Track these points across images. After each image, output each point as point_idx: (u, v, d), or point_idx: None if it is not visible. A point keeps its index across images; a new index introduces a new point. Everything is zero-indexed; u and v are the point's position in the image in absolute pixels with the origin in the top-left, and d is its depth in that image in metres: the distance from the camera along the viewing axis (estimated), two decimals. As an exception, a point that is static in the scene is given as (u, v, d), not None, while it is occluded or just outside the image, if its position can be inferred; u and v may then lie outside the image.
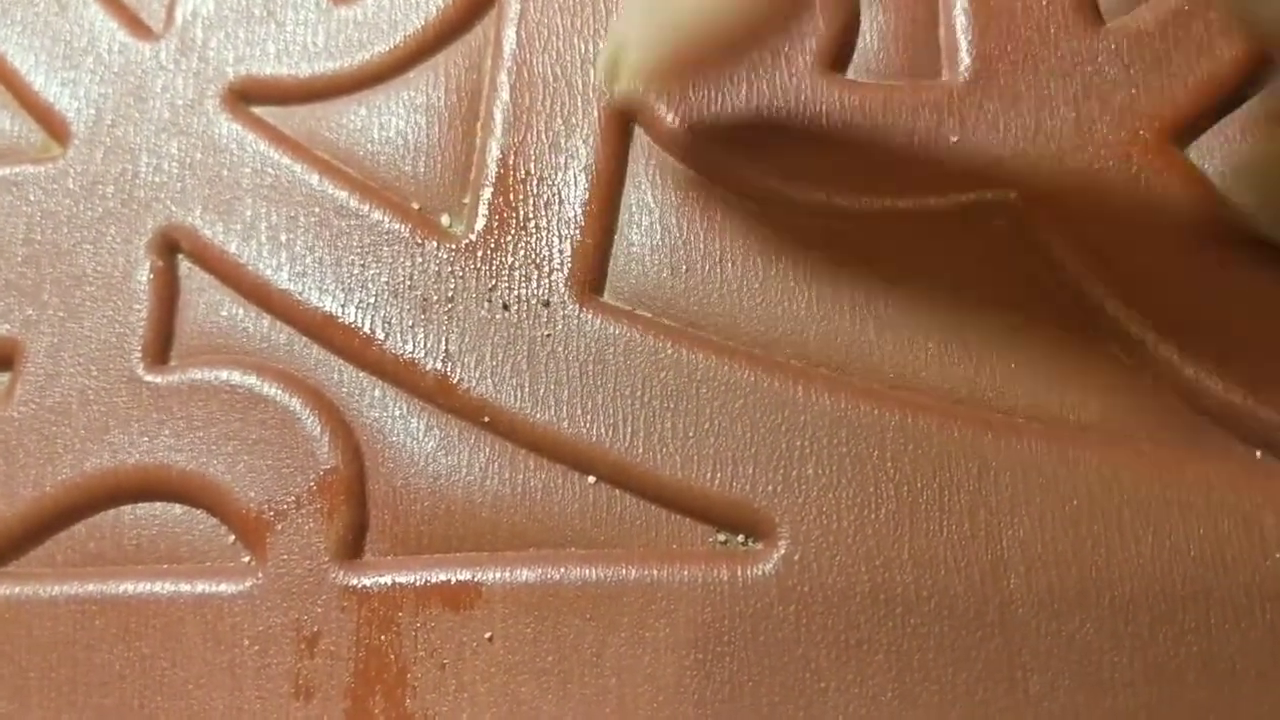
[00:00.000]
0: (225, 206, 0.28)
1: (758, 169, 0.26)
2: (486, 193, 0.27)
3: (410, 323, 0.26)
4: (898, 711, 0.23)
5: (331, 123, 0.29)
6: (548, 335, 0.26)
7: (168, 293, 0.27)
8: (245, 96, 0.29)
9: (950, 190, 0.26)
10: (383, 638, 0.24)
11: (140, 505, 0.26)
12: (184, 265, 0.28)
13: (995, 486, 0.24)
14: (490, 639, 0.24)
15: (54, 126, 0.30)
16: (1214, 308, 0.24)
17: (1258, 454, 0.24)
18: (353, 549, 0.25)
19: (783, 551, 0.24)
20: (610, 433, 0.25)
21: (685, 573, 0.24)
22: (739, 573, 0.24)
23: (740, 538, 0.24)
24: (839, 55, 0.27)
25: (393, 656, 0.24)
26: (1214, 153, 0.26)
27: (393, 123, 0.28)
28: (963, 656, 0.23)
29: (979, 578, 0.23)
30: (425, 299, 0.26)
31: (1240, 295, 0.24)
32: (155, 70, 0.30)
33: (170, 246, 0.28)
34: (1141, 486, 0.23)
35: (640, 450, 0.25)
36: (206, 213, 0.28)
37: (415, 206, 0.28)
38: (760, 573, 0.24)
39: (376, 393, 0.26)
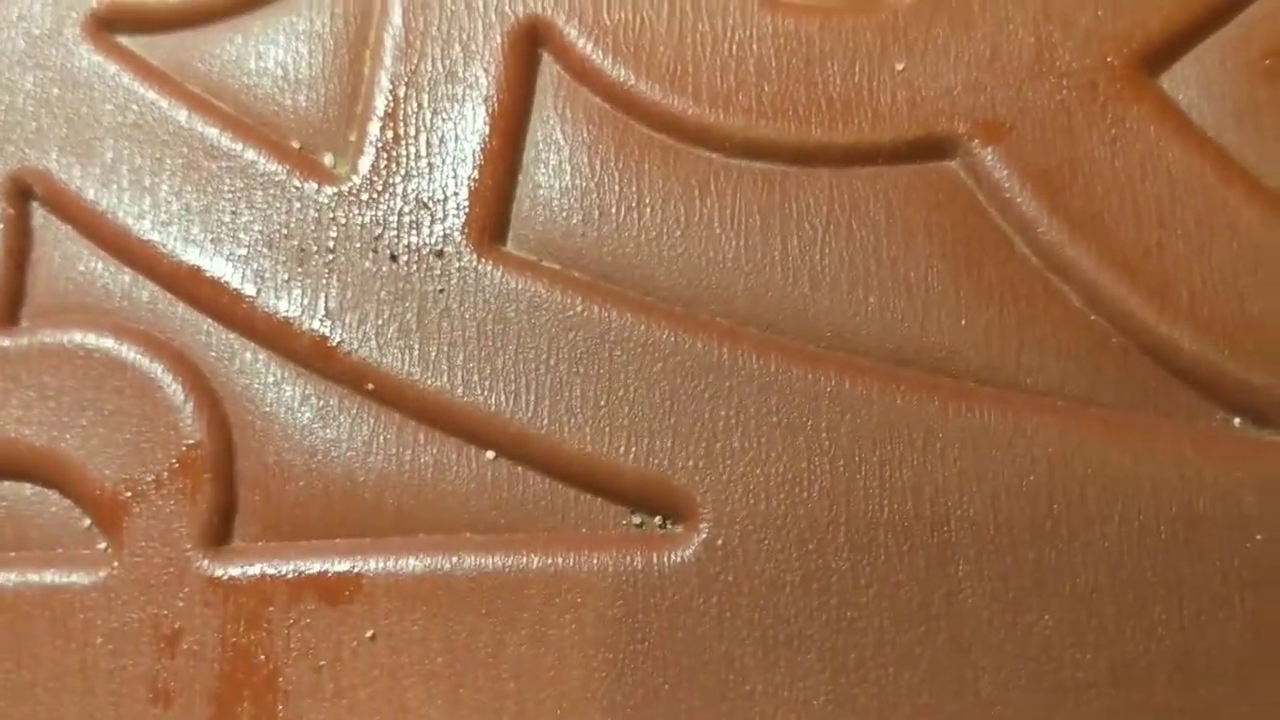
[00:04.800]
0: (84, 148, 0.26)
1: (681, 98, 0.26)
2: (374, 128, 0.26)
3: (285, 277, 0.25)
4: (832, 716, 0.22)
5: (203, 52, 0.27)
6: (441, 290, 0.25)
7: (18, 245, 0.26)
8: (109, 24, 0.28)
9: (895, 124, 0.25)
10: (251, 636, 0.23)
11: (-15, 485, 0.26)
12: (38, 214, 0.27)
13: (943, 460, 0.23)
14: (372, 637, 0.23)
15: (-103, 61, 0.29)
16: (1188, 253, 0.24)
17: (1237, 421, 0.23)
18: (219, 535, 0.24)
19: (704, 535, 0.23)
20: (511, 401, 0.24)
21: (595, 560, 0.23)
22: (655, 559, 0.23)
23: (657, 520, 0.23)
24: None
25: (263, 657, 0.23)
26: (1190, 81, 0.25)
27: (271, 52, 0.27)
28: (905, 654, 0.22)
29: (924, 564, 0.22)
30: (303, 249, 0.25)
31: (1219, 239, 0.24)
32: (10, -5, 0.29)
33: (22, 193, 0.26)
34: (1107, 460, 0.23)
35: (545, 421, 0.24)
36: (63, 155, 0.26)
37: (295, 145, 0.26)
38: (679, 559, 0.23)
39: (247, 356, 0.25)
